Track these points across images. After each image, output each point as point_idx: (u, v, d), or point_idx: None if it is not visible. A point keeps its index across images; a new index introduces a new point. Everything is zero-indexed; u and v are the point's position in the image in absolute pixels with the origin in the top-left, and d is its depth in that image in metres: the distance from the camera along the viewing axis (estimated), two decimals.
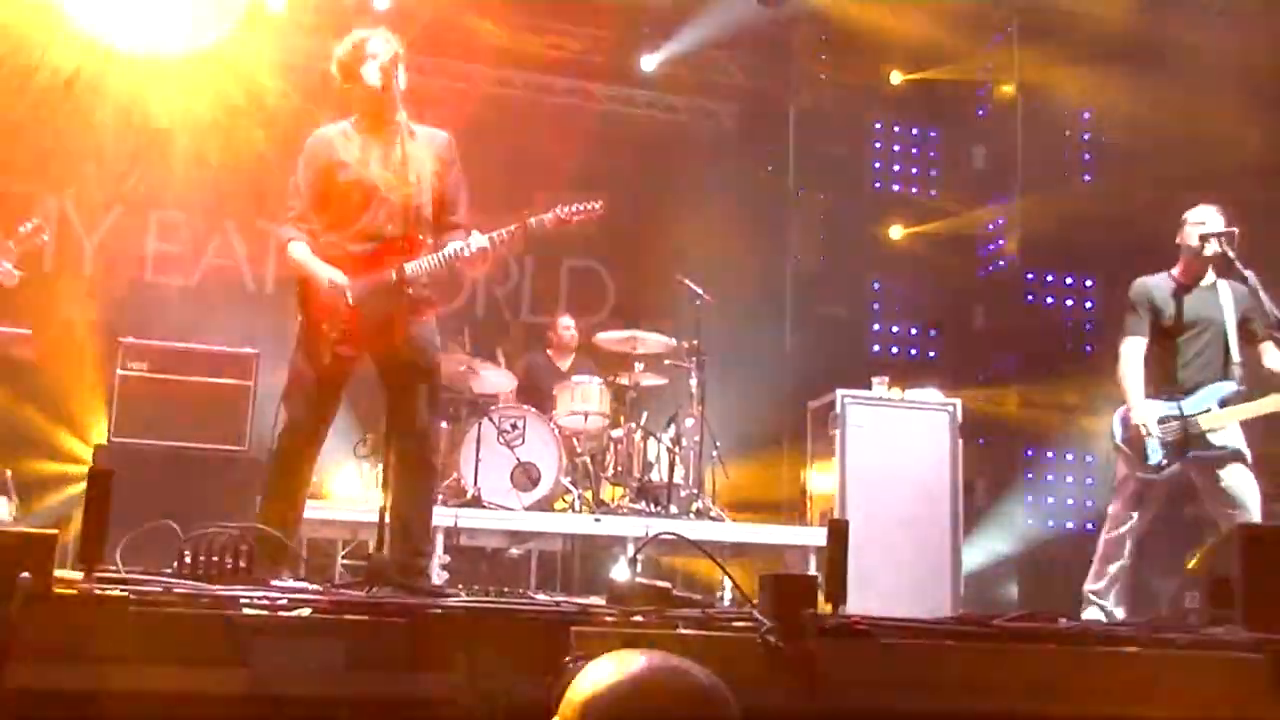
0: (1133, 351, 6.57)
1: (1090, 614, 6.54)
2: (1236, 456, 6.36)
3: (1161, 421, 6.41)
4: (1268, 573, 4.00)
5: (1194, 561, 4.48)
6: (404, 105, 5.06)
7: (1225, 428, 6.38)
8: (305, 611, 2.96)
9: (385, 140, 5.19)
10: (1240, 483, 6.35)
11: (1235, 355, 6.47)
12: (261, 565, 3.89)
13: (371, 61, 5.11)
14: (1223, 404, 6.39)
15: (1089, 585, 6.63)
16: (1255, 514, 6.30)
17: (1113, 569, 6.57)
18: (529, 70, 12.21)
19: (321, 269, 5.11)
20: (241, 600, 3.00)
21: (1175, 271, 6.67)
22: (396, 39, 5.23)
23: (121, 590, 2.91)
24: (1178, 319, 6.55)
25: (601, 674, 1.77)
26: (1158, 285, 6.65)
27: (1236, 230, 6.35)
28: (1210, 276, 6.60)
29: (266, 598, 3.09)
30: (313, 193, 5.26)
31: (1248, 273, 6.25)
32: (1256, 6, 9.17)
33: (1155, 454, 6.38)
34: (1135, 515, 6.54)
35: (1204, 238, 6.46)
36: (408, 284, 5.02)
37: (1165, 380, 6.55)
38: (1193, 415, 6.38)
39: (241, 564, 3.65)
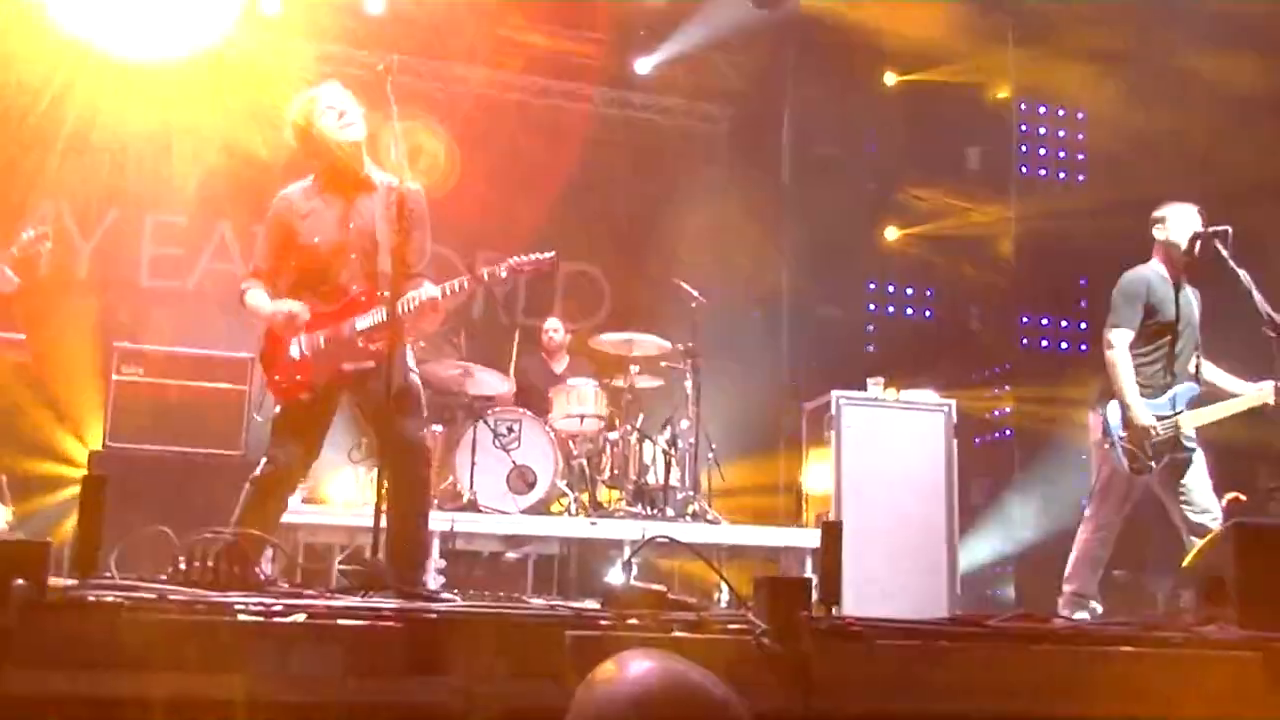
0: (1122, 342, 6.50)
1: (1080, 615, 6.55)
2: (1200, 457, 6.46)
3: (1158, 420, 6.44)
4: (1262, 571, 4.00)
5: (1188, 560, 4.50)
6: (366, 153, 5.19)
7: (1194, 430, 6.47)
8: (301, 617, 2.96)
9: (345, 197, 5.26)
10: (1201, 484, 6.43)
11: (1201, 359, 6.56)
12: (255, 570, 3.89)
13: (330, 117, 5.17)
14: (1190, 405, 6.48)
15: (1075, 588, 6.61)
16: (1217, 513, 6.39)
17: (1097, 570, 6.61)
18: (524, 73, 12.21)
19: (276, 305, 5.21)
20: (236, 606, 3.00)
21: (1161, 269, 6.66)
22: (343, 90, 5.26)
23: (116, 597, 2.91)
24: (1169, 316, 6.55)
25: (614, 684, 1.77)
26: (1155, 279, 6.61)
27: (1229, 229, 6.35)
28: (1182, 278, 6.65)
29: (262, 603, 3.08)
30: (275, 254, 5.35)
31: (1241, 271, 6.26)
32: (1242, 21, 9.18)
33: (1140, 457, 6.42)
34: (1119, 516, 6.58)
35: (1199, 235, 6.47)
36: (361, 336, 5.13)
37: (1145, 376, 6.53)
38: (1172, 416, 6.45)
39: (236, 569, 3.64)
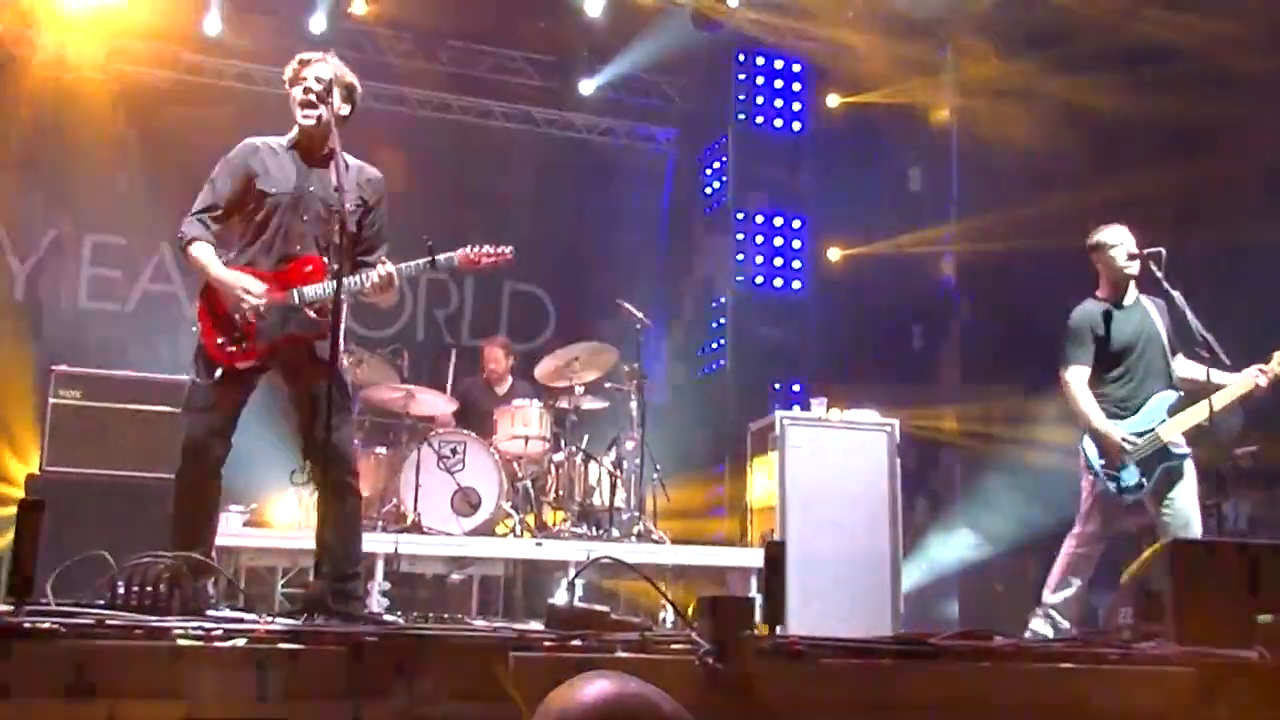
0: (1079, 379, 6.65)
1: (1040, 626, 6.60)
2: (1191, 464, 6.50)
3: (1133, 439, 6.52)
4: (1197, 587, 4.06)
5: (1125, 576, 4.54)
6: (339, 133, 5.07)
7: (1180, 436, 6.49)
8: (241, 641, 2.93)
9: (314, 164, 5.24)
10: (1186, 496, 6.47)
11: (1173, 366, 6.66)
12: (195, 593, 3.85)
13: (300, 88, 5.16)
14: (1171, 413, 6.52)
15: (1050, 598, 6.65)
16: (1198, 528, 6.43)
17: (1076, 585, 6.63)
18: (466, 95, 12.22)
19: (232, 276, 5.11)
20: (176, 631, 2.97)
21: (1102, 294, 6.80)
22: (337, 67, 5.24)
23: (52, 622, 2.87)
24: (1123, 338, 6.66)
25: (569, 706, 1.80)
26: (1095, 311, 6.73)
27: (1163, 250, 6.46)
28: (1133, 293, 6.76)
29: (201, 628, 3.06)
30: (230, 194, 5.24)
31: (1175, 292, 6.37)
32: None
33: (1133, 475, 6.49)
34: (1102, 535, 6.65)
35: (1133, 256, 6.58)
36: (307, 306, 5.08)
37: (1115, 400, 6.65)
38: (1152, 429, 6.50)
39: (175, 594, 3.60)
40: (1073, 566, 6.65)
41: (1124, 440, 6.47)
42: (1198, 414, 6.40)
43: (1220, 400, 6.35)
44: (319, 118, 5.14)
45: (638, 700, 1.82)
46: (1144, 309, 6.74)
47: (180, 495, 5.17)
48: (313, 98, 5.13)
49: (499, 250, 5.39)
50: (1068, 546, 6.71)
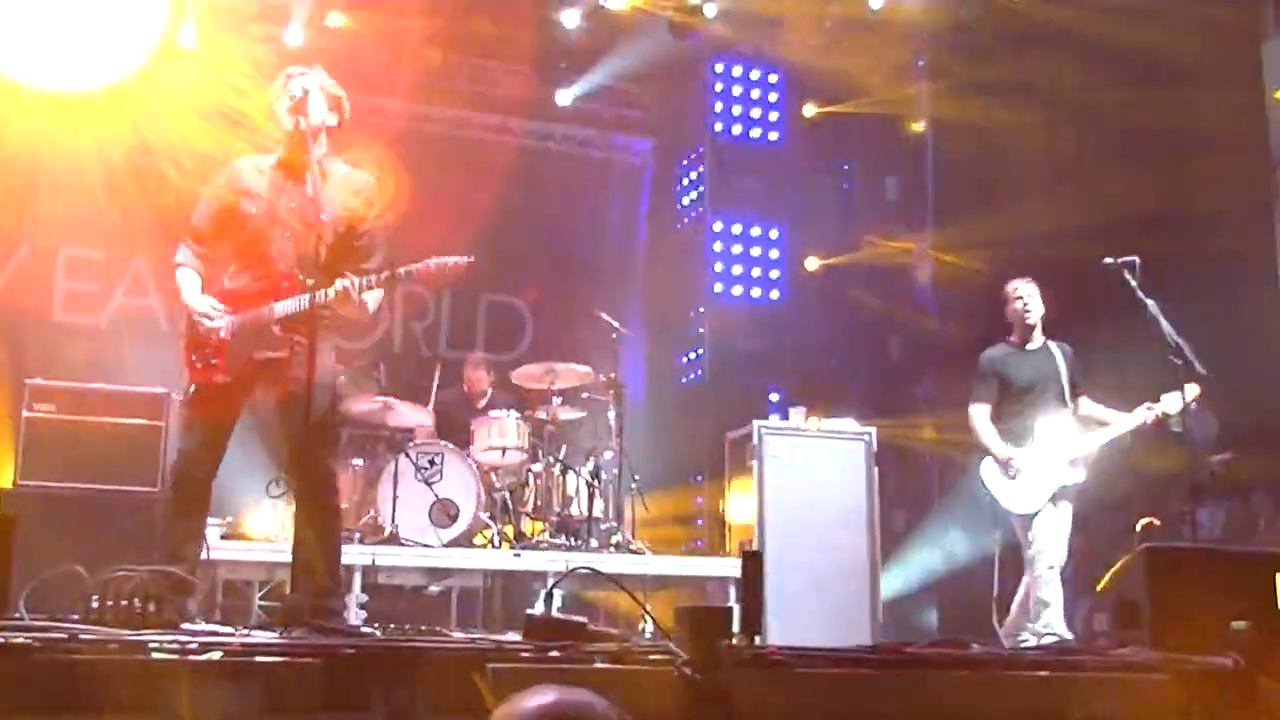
0: (981, 414, 7.38)
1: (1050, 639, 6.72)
2: (1067, 502, 7.12)
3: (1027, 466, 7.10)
4: (1173, 594, 4.08)
5: (1101, 584, 4.56)
6: (328, 143, 5.22)
7: (1075, 466, 7.11)
8: (217, 655, 2.92)
9: (298, 179, 5.26)
10: (1056, 527, 7.04)
11: (1070, 405, 7.28)
12: (170, 607, 3.84)
13: (284, 99, 5.23)
14: (1059, 441, 7.13)
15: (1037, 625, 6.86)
16: (1055, 559, 7.00)
17: (1024, 609, 7.08)
18: (443, 105, 12.21)
19: (196, 302, 5.21)
20: (151, 645, 2.95)
21: (1012, 338, 7.49)
22: (321, 76, 5.35)
23: (26, 638, 2.85)
24: (1023, 379, 7.33)
25: (512, 709, 1.99)
26: (1001, 354, 7.48)
27: (1137, 259, 6.52)
28: (1039, 339, 7.44)
29: (177, 641, 3.04)
30: (214, 217, 5.34)
31: (1149, 301, 6.44)
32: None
33: (1028, 498, 7.10)
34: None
35: (1108, 265, 6.65)
36: (276, 323, 5.13)
37: (1015, 434, 7.23)
38: (1043, 456, 7.08)
39: (151, 607, 3.58)
40: (1048, 589, 6.95)
41: (1009, 458, 7.13)
42: (1089, 444, 7.12)
43: (1108, 434, 7.11)
44: (301, 128, 5.17)
45: (577, 704, 2.01)
46: (1049, 353, 7.40)
47: (162, 512, 5.21)
48: (295, 107, 5.19)
49: (458, 260, 5.36)
50: (1030, 575, 7.13)
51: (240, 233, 5.30)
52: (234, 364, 5.15)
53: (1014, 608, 7.16)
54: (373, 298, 5.26)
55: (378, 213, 5.42)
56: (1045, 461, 7.08)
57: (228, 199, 5.32)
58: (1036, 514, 7.05)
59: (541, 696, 2.03)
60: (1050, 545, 6.99)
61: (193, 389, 5.20)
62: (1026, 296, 7.44)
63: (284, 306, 5.13)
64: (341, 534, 5.51)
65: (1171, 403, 6.82)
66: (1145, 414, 7.00)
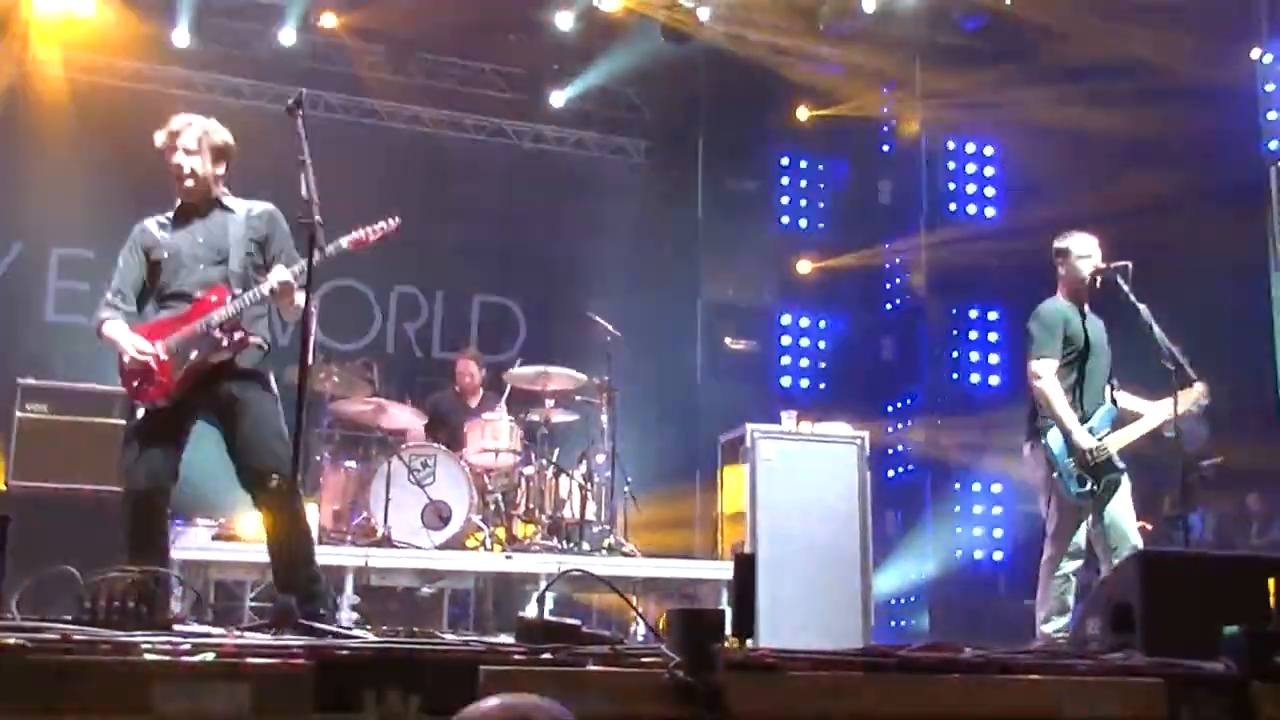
0: (1050, 372, 6.49)
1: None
2: (1127, 481, 6.50)
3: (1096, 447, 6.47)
4: (1166, 598, 4.08)
5: (1094, 587, 4.57)
6: (217, 185, 5.50)
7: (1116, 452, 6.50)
8: (210, 656, 2.92)
9: (198, 218, 5.53)
10: (1126, 510, 6.49)
11: (1115, 382, 6.64)
12: (164, 607, 3.84)
13: (173, 156, 5.45)
14: (1114, 426, 6.54)
15: (1044, 627, 6.47)
16: (1136, 540, 6.46)
17: (1071, 611, 6.43)
18: (437, 107, 12.22)
19: (126, 339, 5.37)
20: (143, 645, 2.95)
21: (1066, 298, 6.73)
22: (208, 128, 5.51)
23: (18, 638, 2.85)
24: (1080, 344, 6.60)
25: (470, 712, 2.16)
26: (1067, 309, 6.66)
27: (1129, 264, 6.48)
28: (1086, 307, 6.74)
29: (169, 642, 3.04)
30: (130, 275, 5.54)
31: (1141, 306, 6.39)
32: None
33: (1085, 481, 6.41)
34: (1073, 547, 6.50)
35: (1099, 270, 6.59)
36: (215, 330, 5.31)
37: (1077, 406, 6.55)
38: (1102, 438, 6.46)
39: (143, 608, 3.58)
40: (1056, 587, 6.48)
41: (1092, 449, 6.39)
42: (1134, 432, 6.48)
43: (1144, 427, 6.46)
44: (195, 181, 5.45)
45: (530, 708, 2.13)
46: (1100, 325, 6.74)
47: (127, 533, 5.31)
48: (186, 166, 5.43)
49: (385, 224, 5.53)
50: (1045, 570, 6.56)
51: (155, 278, 5.51)
52: (178, 376, 5.31)
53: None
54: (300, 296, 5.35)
55: (279, 234, 5.56)
56: (1105, 443, 6.45)
57: (142, 256, 5.53)
58: (1103, 495, 6.45)
59: (489, 702, 2.17)
60: (1128, 528, 6.45)
61: (140, 414, 5.35)
62: (1090, 253, 6.62)
63: (220, 313, 5.32)
64: (309, 532, 5.56)
65: (1193, 398, 6.38)
66: (1171, 408, 6.37)
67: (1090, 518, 6.52)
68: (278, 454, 5.22)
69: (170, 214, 5.60)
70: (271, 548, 5.34)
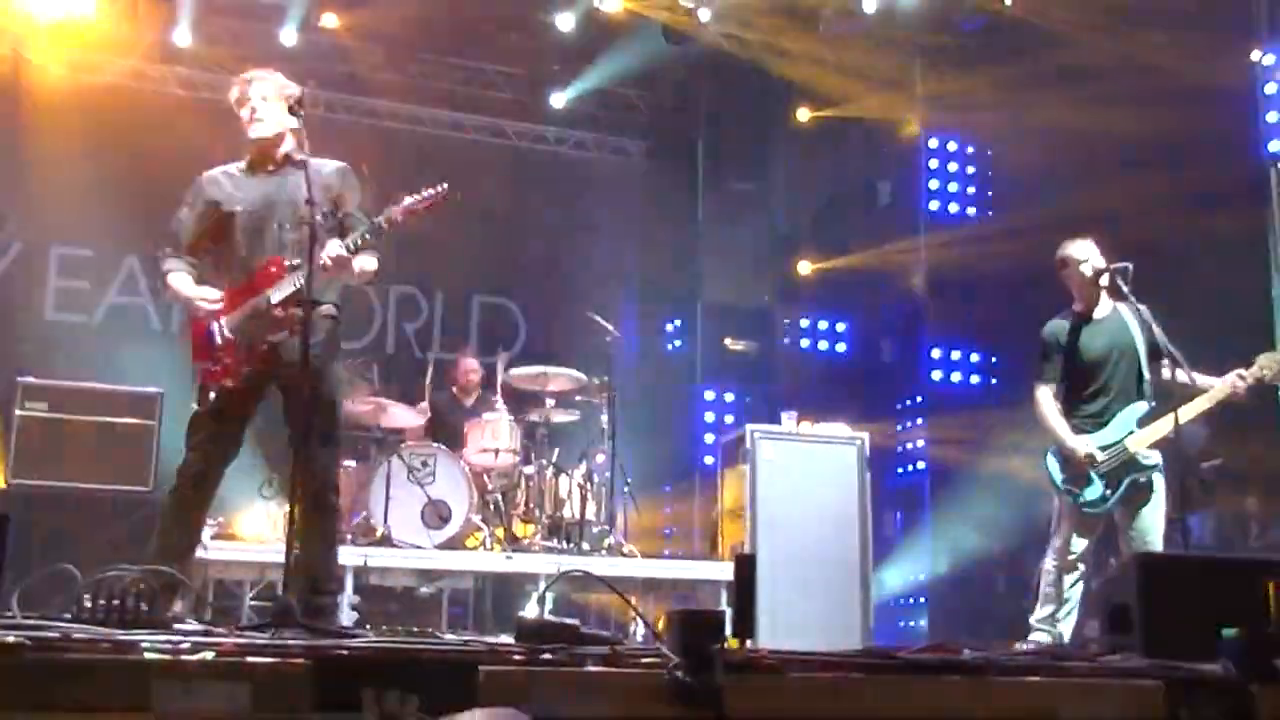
0: (1046, 396, 6.66)
1: (1040, 638, 6.51)
2: (1159, 475, 6.43)
3: (1101, 450, 6.45)
4: (1165, 600, 4.08)
5: (1094, 589, 4.57)
6: (297, 142, 5.28)
7: (1148, 448, 6.44)
8: (209, 654, 2.92)
9: (268, 177, 5.42)
10: (1153, 513, 6.42)
11: (1147, 375, 6.59)
12: (163, 606, 3.83)
13: (244, 108, 5.38)
14: (1140, 424, 6.48)
15: (1033, 616, 6.55)
16: (1157, 545, 6.37)
17: (1058, 603, 6.47)
18: (437, 107, 12.23)
19: (195, 291, 5.33)
20: (143, 644, 2.95)
21: (1076, 307, 6.75)
22: (270, 84, 5.42)
23: (18, 636, 2.85)
24: (1093, 352, 6.62)
25: None
26: (1064, 326, 6.72)
27: (1130, 265, 6.48)
28: (1107, 303, 6.70)
29: (169, 641, 3.04)
30: (194, 229, 5.45)
31: (1140, 306, 6.40)
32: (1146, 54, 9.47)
33: (1096, 490, 6.43)
34: (1076, 549, 6.51)
35: (1099, 272, 6.60)
36: (275, 307, 5.20)
37: (1086, 414, 6.60)
38: (1120, 440, 6.45)
39: (143, 607, 3.58)
40: (1052, 583, 6.52)
41: (1089, 455, 6.41)
42: (1167, 424, 6.31)
43: (1194, 408, 6.31)
44: (267, 131, 5.36)
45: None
46: (1121, 320, 6.68)
47: (167, 512, 5.27)
48: (260, 114, 5.34)
49: (436, 190, 5.43)
50: (1043, 563, 6.64)
51: (224, 237, 5.41)
52: (241, 357, 5.23)
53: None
54: (369, 261, 5.35)
55: (356, 194, 5.50)
56: (1121, 448, 6.48)
57: (205, 206, 5.44)
58: (1121, 504, 6.43)
59: (471, 714, 2.26)
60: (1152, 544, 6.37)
61: (211, 394, 5.25)
62: (1088, 256, 6.62)
63: (279, 291, 5.20)
64: (338, 533, 5.55)
65: (1269, 365, 6.31)
66: (1237, 382, 6.33)
67: (1119, 525, 6.52)
68: (324, 466, 5.23)
69: (241, 164, 5.52)
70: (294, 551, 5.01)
